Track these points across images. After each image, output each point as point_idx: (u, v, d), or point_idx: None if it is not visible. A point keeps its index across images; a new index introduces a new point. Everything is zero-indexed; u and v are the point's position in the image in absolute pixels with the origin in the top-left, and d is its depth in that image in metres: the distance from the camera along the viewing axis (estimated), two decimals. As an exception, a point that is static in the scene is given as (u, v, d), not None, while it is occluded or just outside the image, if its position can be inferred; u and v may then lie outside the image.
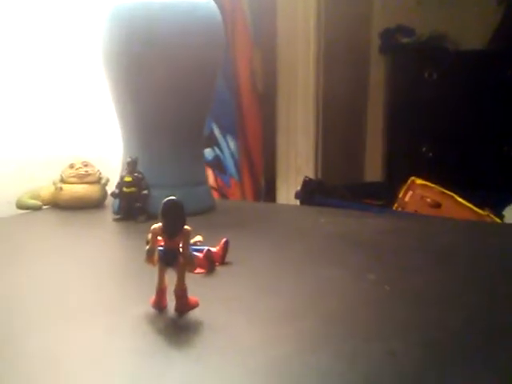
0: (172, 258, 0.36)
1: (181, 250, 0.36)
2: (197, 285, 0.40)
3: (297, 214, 0.76)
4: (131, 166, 0.65)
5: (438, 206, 1.27)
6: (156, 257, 0.37)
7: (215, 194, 1.62)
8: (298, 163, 1.82)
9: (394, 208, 1.41)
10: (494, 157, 1.80)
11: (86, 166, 0.75)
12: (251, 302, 0.38)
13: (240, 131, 1.65)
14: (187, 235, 0.36)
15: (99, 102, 0.87)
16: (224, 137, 1.61)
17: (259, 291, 0.39)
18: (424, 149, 1.96)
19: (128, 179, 0.64)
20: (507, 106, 1.77)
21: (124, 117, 0.71)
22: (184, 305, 0.36)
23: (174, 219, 0.35)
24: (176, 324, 0.35)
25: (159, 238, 0.36)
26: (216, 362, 0.29)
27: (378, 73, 2.17)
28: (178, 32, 0.65)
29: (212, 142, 1.59)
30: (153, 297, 0.37)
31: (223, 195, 1.65)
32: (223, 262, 0.45)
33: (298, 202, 1.60)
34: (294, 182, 1.78)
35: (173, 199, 0.36)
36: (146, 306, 0.37)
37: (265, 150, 1.76)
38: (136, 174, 0.65)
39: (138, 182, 0.65)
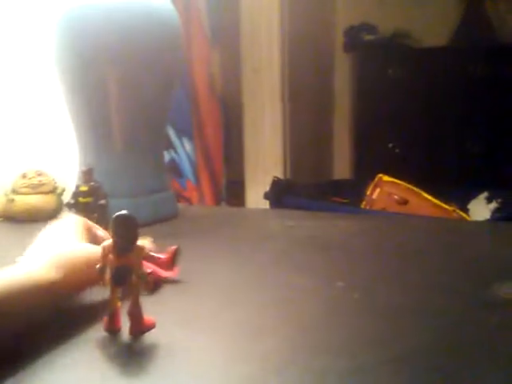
0: (124, 277, 0.33)
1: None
2: (153, 303, 0.37)
3: (263, 217, 0.74)
4: (87, 175, 0.61)
5: (405, 202, 1.27)
6: (107, 276, 0.34)
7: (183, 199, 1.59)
8: (266, 163, 1.81)
9: (363, 206, 1.41)
10: (458, 152, 1.84)
11: (39, 175, 0.71)
12: (212, 318, 0.36)
13: (197, 133, 1.63)
14: (140, 252, 0.33)
15: (53, 108, 0.83)
16: (180, 139, 1.58)
17: (220, 306, 0.37)
18: (391, 145, 1.98)
19: (83, 189, 0.61)
20: (469, 101, 1.81)
21: (79, 124, 0.68)
22: (139, 326, 0.34)
23: (126, 234, 0.33)
24: (130, 348, 0.32)
25: (110, 255, 0.34)
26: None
27: (343, 71, 2.18)
28: (131, 35, 0.62)
29: (167, 144, 1.57)
30: (105, 319, 0.34)
31: (179, 198, 1.63)
32: (172, 269, 0.43)
33: (267, 203, 1.59)
34: (262, 182, 1.77)
35: (124, 213, 0.33)
36: (99, 329, 0.34)
37: (230, 152, 1.73)
38: (92, 183, 0.61)
39: (94, 192, 0.61)
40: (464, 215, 1.25)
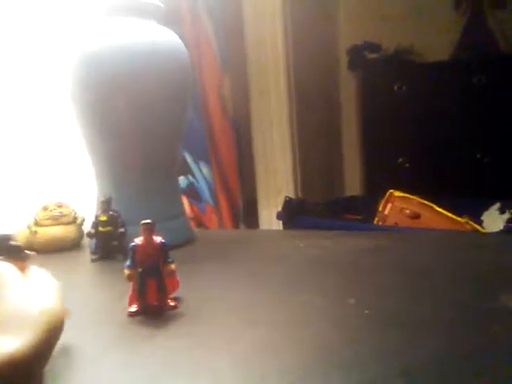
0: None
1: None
2: (169, 326, 0.39)
3: (275, 239, 0.76)
4: (105, 205, 0.64)
5: (417, 216, 1.28)
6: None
7: (191, 223, 1.62)
8: (277, 184, 1.83)
9: (375, 222, 1.42)
10: (468, 164, 1.85)
11: (59, 207, 0.74)
12: (231, 336, 0.37)
13: (213, 157, 1.66)
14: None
15: (70, 141, 0.87)
16: (196, 163, 1.61)
17: (238, 325, 0.38)
18: (400, 160, 2.00)
19: (103, 218, 0.64)
20: (476, 111, 1.82)
21: (95, 157, 0.71)
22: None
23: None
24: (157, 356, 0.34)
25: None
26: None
27: (348, 89, 2.22)
28: (142, 69, 0.66)
29: (185, 169, 1.60)
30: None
31: (199, 222, 1.65)
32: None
33: (280, 223, 1.60)
34: (275, 202, 1.79)
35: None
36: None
37: (243, 173, 1.77)
38: (111, 213, 0.64)
39: (113, 221, 0.64)
40: (477, 227, 1.25)
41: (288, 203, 1.50)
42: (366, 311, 0.41)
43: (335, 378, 0.31)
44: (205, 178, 1.62)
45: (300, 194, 1.82)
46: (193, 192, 1.60)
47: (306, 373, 0.32)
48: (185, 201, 1.62)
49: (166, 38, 0.69)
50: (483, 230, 1.32)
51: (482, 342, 0.35)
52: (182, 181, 1.58)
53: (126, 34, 0.66)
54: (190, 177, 1.58)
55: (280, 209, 1.55)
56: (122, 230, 0.63)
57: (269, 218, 1.75)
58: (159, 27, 0.70)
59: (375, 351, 0.34)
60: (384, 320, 0.39)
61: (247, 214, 1.76)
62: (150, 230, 0.43)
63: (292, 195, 1.71)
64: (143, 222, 0.43)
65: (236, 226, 1.74)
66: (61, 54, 0.69)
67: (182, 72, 0.70)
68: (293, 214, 1.47)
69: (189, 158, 1.58)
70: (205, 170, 1.62)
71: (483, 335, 0.36)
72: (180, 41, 0.72)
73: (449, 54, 1.94)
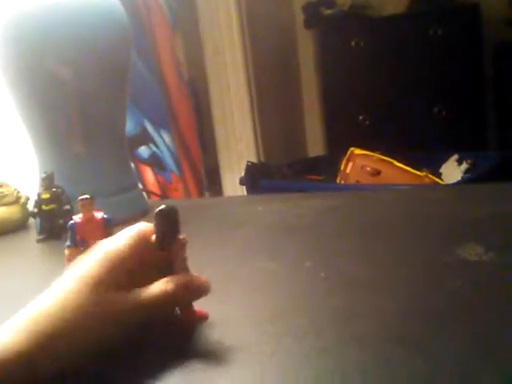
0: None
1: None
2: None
3: (233, 205, 0.73)
4: (47, 182, 0.60)
5: (378, 173, 1.29)
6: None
7: (156, 194, 1.57)
8: (239, 149, 1.80)
9: (338, 181, 1.42)
10: (426, 118, 1.86)
11: (0, 186, 0.69)
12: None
13: (173, 124, 1.60)
14: (182, 244, 0.32)
15: (6, 118, 0.81)
16: (158, 132, 1.55)
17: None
18: (361, 117, 1.99)
19: (46, 196, 0.60)
20: (433, 65, 1.82)
21: (34, 130, 0.66)
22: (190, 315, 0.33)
23: (169, 228, 0.32)
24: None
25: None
26: None
27: (306, 47, 2.17)
28: (77, 32, 0.60)
29: (146, 139, 1.53)
30: None
31: (165, 193, 1.60)
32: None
33: (244, 189, 1.58)
34: (237, 168, 1.76)
35: (166, 207, 0.32)
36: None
37: (204, 140, 1.72)
38: (54, 190, 0.60)
39: (57, 198, 0.60)
40: (436, 179, 1.27)
41: (250, 168, 1.48)
42: (322, 274, 0.40)
43: (288, 344, 0.30)
44: (167, 147, 1.57)
45: (262, 158, 1.80)
46: (156, 161, 1.54)
47: (258, 341, 0.31)
48: (149, 171, 1.57)
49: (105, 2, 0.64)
50: (442, 182, 1.35)
51: (440, 298, 0.34)
52: (144, 150, 1.52)
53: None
54: (153, 146, 1.52)
55: (243, 174, 1.53)
56: (67, 207, 0.59)
57: (232, 184, 1.73)
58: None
59: (329, 316, 0.33)
60: (340, 282, 0.38)
61: (211, 182, 1.73)
62: (88, 205, 0.40)
63: (254, 160, 1.68)
64: (80, 198, 0.40)
65: (201, 194, 1.71)
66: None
67: (119, 30, 0.65)
68: (255, 178, 1.45)
69: (149, 127, 1.51)
70: (166, 138, 1.56)
71: (440, 290, 0.35)
72: (119, 3, 0.66)
73: (404, 7, 1.92)
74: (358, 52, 1.89)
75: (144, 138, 1.50)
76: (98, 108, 0.64)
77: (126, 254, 0.31)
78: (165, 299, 0.31)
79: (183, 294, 0.32)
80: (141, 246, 0.32)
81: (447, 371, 0.26)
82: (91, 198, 0.40)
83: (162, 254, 0.33)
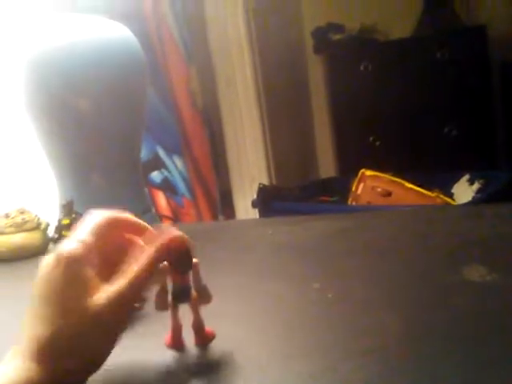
0: (186, 295, 0.34)
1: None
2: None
3: (244, 229, 0.75)
4: (67, 208, 0.62)
5: (388, 194, 1.30)
6: (167, 297, 0.34)
7: (168, 217, 1.59)
8: (251, 172, 1.83)
9: (349, 202, 1.43)
10: (436, 138, 1.87)
11: (22, 213, 0.72)
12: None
13: (186, 150, 1.64)
14: (197, 266, 0.34)
15: (29, 146, 0.84)
16: (170, 157, 1.59)
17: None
18: (371, 138, 2.01)
19: (66, 222, 0.62)
20: (441, 86, 1.84)
21: (54, 159, 0.69)
22: (204, 338, 0.35)
23: (186, 254, 0.34)
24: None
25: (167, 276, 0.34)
26: None
27: (316, 72, 2.21)
28: (94, 67, 0.64)
29: (158, 164, 1.57)
30: (168, 337, 0.35)
31: (177, 216, 1.63)
32: None
33: (256, 211, 1.60)
34: (249, 191, 1.79)
35: (178, 233, 0.33)
36: (162, 349, 0.35)
37: (216, 164, 1.75)
38: (74, 216, 0.63)
39: (76, 224, 0.62)
40: (447, 199, 1.27)
41: (262, 190, 1.50)
42: (330, 295, 0.41)
43: (296, 364, 0.31)
44: (179, 172, 1.60)
45: (274, 181, 1.82)
46: (168, 186, 1.57)
47: (268, 361, 0.32)
48: (161, 195, 1.61)
49: (119, 34, 0.68)
50: (454, 202, 1.35)
51: (445, 318, 0.35)
52: (157, 176, 1.56)
53: (75, 31, 0.64)
54: (165, 171, 1.56)
55: (255, 197, 1.55)
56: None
57: (245, 207, 1.75)
58: (110, 22, 0.68)
59: (336, 335, 0.34)
60: (346, 303, 0.39)
61: (224, 206, 1.75)
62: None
63: (266, 182, 1.70)
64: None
65: (215, 217, 1.73)
66: (10, 57, 0.67)
67: (136, 66, 0.69)
68: (267, 200, 1.47)
69: (162, 153, 1.55)
70: (179, 163, 1.60)
71: (445, 310, 0.36)
72: (132, 35, 0.70)
73: (411, 31, 1.95)
74: (367, 75, 1.92)
75: (156, 164, 1.54)
76: (116, 140, 0.67)
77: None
78: (153, 262, 0.31)
79: (167, 248, 0.32)
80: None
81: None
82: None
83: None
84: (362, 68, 1.93)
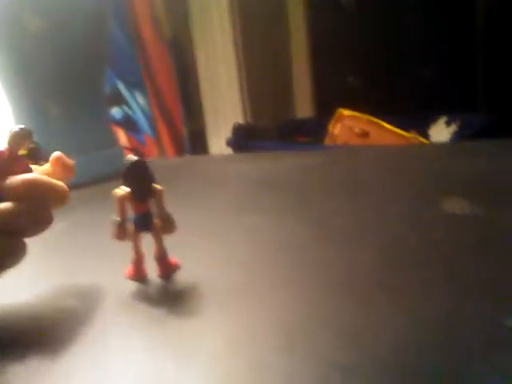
0: (148, 223, 0.32)
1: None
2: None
3: (219, 163, 0.72)
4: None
5: (366, 134, 1.27)
6: (129, 226, 0.32)
7: (131, 150, 1.54)
8: (226, 111, 1.76)
9: (326, 142, 1.41)
10: (413, 80, 1.83)
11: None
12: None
13: (150, 85, 1.55)
14: (160, 194, 0.31)
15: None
16: (131, 93, 1.50)
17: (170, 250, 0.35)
18: (350, 79, 1.95)
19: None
20: (423, 25, 1.78)
21: (10, 87, 0.63)
22: (167, 269, 0.33)
23: (143, 179, 0.31)
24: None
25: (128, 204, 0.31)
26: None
27: (296, 6, 2.10)
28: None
29: (119, 100, 1.49)
30: (129, 268, 0.33)
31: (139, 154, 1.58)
32: None
33: (230, 151, 1.56)
34: (224, 129, 1.73)
35: (135, 158, 0.31)
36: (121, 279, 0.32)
37: (188, 102, 1.67)
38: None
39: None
40: (424, 141, 1.26)
41: (237, 129, 1.45)
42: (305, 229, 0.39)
43: (267, 296, 0.29)
44: (141, 108, 1.53)
45: (249, 120, 1.77)
46: (129, 123, 1.50)
47: (236, 293, 0.30)
48: (121, 132, 1.53)
49: None
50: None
51: (419, 247, 0.33)
52: (117, 112, 1.48)
53: None
54: (125, 107, 1.48)
55: (230, 135, 1.50)
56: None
57: (219, 146, 1.70)
58: None
59: (314, 268, 0.32)
60: (326, 239, 0.38)
61: (194, 145, 1.70)
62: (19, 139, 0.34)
63: (241, 121, 1.65)
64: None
65: (180, 156, 1.68)
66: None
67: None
68: (243, 139, 1.43)
69: (122, 88, 1.46)
70: (141, 99, 1.52)
71: (419, 241, 0.35)
72: None
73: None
74: (348, 11, 1.84)
75: (116, 99, 1.46)
76: (73, 68, 0.62)
77: None
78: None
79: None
80: None
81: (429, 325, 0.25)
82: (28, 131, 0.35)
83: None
84: (344, 1, 1.84)
